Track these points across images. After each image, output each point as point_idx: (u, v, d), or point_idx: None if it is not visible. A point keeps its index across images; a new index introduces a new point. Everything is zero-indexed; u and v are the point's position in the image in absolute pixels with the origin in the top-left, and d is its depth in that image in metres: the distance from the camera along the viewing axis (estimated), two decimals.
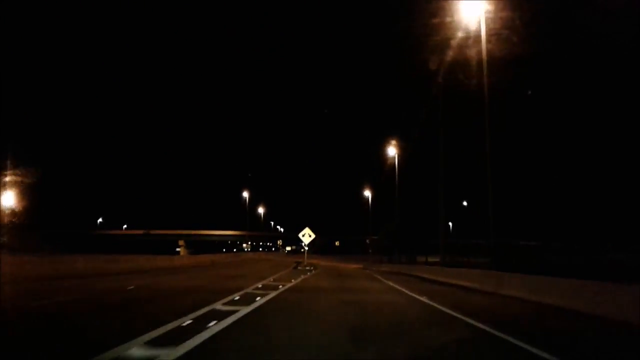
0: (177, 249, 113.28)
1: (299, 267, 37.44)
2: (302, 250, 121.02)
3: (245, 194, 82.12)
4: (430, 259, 61.46)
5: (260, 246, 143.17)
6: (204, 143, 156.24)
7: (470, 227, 62.00)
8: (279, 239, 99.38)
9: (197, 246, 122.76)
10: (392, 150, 45.55)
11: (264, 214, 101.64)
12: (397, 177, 43.82)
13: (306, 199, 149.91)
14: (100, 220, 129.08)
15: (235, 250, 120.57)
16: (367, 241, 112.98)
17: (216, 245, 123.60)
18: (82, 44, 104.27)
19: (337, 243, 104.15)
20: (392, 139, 46.08)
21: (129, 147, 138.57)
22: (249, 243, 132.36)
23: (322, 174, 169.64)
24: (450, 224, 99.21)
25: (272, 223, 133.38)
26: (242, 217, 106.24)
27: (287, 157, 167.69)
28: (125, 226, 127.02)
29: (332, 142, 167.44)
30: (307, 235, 38.96)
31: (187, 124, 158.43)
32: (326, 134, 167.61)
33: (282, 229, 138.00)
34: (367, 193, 73.15)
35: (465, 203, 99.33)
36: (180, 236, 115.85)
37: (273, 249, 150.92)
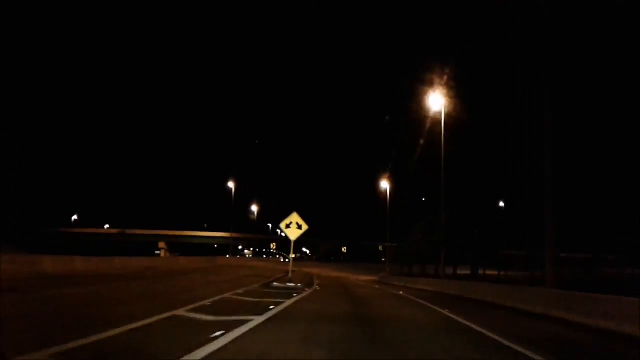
0: (157, 252, 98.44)
1: (274, 283, 20.12)
2: (310, 256, 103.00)
3: (231, 185, 64.90)
4: (487, 272, 44.05)
5: (264, 252, 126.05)
6: (191, 135, 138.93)
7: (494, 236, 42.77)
8: (272, 242, 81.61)
9: (183, 249, 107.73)
10: (435, 102, 27.97)
11: (257, 213, 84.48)
12: (443, 138, 26.30)
13: (308, 197, 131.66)
14: (75, 217, 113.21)
15: (239, 256, 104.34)
16: (380, 248, 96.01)
17: (210, 249, 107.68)
18: (64, 40, 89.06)
19: (344, 249, 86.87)
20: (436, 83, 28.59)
21: (110, 140, 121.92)
22: (252, 249, 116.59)
23: (327, 167, 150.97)
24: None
25: (270, 225, 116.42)
26: (235, 218, 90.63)
27: (286, 149, 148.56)
28: (107, 226, 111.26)
29: (338, 127, 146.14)
30: (293, 226, 22.21)
31: (172, 115, 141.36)
32: (330, 119, 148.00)
33: (283, 234, 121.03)
34: (384, 186, 54.88)
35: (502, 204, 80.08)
36: (160, 237, 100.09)
37: (277, 256, 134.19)
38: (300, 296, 14.57)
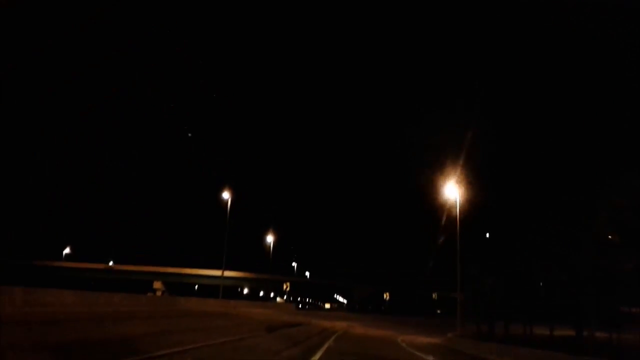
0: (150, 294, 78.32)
1: None
2: (353, 306, 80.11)
3: (226, 196, 45.34)
4: None
5: (300, 302, 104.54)
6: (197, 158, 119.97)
7: None
8: (285, 283, 60.17)
9: (191, 291, 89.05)
10: None
11: (273, 245, 63.96)
12: None
13: (340, 231, 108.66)
14: (67, 251, 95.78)
15: (276, 300, 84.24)
16: (434, 296, 73.23)
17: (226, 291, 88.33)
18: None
19: (385, 296, 64.65)
20: None
21: (107, 166, 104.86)
22: (286, 297, 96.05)
23: (363, 194, 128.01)
24: None
25: (295, 265, 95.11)
26: (257, 256, 71.35)
27: (315, 176, 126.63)
28: (112, 262, 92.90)
29: (377, 143, 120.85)
30: None
31: (174, 136, 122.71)
32: (366, 138, 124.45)
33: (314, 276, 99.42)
34: (450, 194, 33.84)
35: None
36: (155, 275, 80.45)
37: (320, 303, 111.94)
38: None
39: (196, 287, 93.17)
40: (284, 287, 58.01)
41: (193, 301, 35.91)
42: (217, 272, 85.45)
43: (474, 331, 35.37)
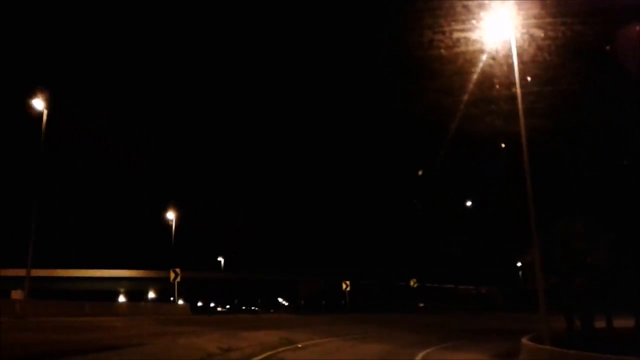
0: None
1: None
2: (297, 305, 57.32)
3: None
4: None
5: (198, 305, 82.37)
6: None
7: None
8: (175, 268, 38.66)
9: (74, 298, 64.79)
10: None
11: (175, 226, 42.17)
12: None
13: (274, 207, 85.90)
14: None
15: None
16: (412, 283, 53.21)
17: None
18: None
19: (345, 286, 44.51)
20: None
21: None
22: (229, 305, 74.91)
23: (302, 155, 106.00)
24: None
25: (222, 260, 72.87)
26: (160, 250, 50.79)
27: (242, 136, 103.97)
28: None
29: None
30: None
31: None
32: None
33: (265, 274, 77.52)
34: None
35: None
36: (12, 281, 55.59)
37: (254, 308, 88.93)
38: None
39: (120, 292, 70.54)
40: (172, 275, 36.56)
41: None
42: (112, 272, 63.31)
43: (561, 329, 18.36)
